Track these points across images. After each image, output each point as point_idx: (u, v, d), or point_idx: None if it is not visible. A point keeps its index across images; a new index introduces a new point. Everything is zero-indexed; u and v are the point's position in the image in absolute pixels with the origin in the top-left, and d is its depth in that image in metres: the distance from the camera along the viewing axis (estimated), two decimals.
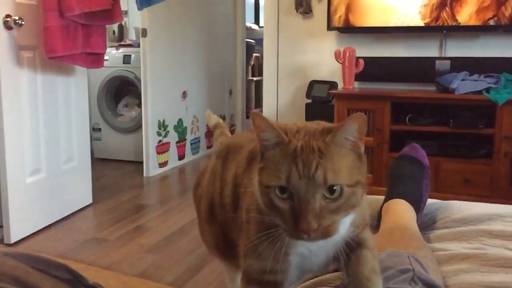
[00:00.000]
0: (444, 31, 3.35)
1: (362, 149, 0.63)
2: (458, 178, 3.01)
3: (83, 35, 2.73)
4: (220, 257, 1.02)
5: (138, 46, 3.92)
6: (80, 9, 2.57)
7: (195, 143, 4.57)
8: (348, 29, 3.55)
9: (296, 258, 0.68)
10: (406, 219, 1.16)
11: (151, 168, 3.89)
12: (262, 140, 0.62)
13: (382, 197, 1.29)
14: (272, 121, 0.62)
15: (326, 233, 0.58)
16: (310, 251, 0.68)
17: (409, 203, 1.22)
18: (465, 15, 3.22)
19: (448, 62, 3.30)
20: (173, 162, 4.21)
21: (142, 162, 3.90)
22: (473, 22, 3.21)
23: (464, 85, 3.02)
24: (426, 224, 1.31)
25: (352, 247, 0.68)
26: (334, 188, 0.58)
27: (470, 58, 3.29)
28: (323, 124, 0.65)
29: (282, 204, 0.59)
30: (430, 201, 1.38)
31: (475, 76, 3.09)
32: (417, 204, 1.24)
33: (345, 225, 0.65)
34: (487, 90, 2.96)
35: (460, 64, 3.23)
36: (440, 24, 3.28)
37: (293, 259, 0.68)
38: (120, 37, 4.80)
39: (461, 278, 1.01)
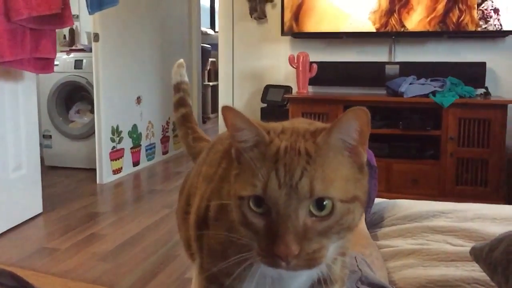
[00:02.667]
0: (393, 37, 3.46)
1: (365, 157, 0.50)
2: (408, 178, 3.11)
3: (32, 40, 2.65)
4: (192, 259, 0.89)
5: (90, 50, 3.85)
6: (28, 13, 2.49)
7: (151, 149, 4.52)
8: (302, 35, 3.61)
9: (260, 274, 0.56)
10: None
11: (105, 175, 3.81)
12: (237, 141, 0.50)
13: None
14: (250, 118, 0.51)
15: (310, 261, 0.44)
16: (279, 274, 0.55)
17: None
18: (413, 21, 3.34)
19: (397, 66, 3.41)
20: (128, 168, 4.14)
21: (95, 169, 3.81)
22: (420, 28, 3.34)
23: (412, 88, 3.13)
24: (374, 222, 1.35)
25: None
26: (324, 203, 0.45)
27: (418, 63, 3.41)
28: (317, 124, 0.54)
29: (256, 220, 0.46)
30: (378, 200, 1.43)
31: (422, 80, 3.21)
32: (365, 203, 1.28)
33: (328, 252, 0.52)
34: (434, 93, 3.08)
35: (408, 69, 3.35)
36: (389, 30, 3.39)
37: (255, 273, 0.55)
38: (71, 42, 4.69)
39: (405, 273, 1.05)
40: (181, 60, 1.07)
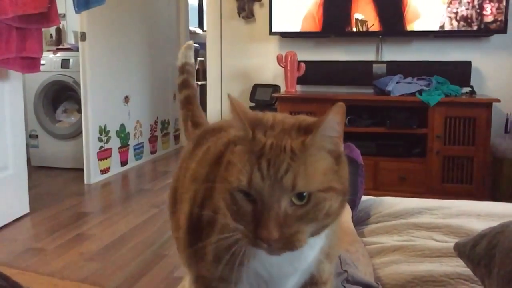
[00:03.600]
0: (380, 36, 3.49)
1: (341, 147, 0.54)
2: (395, 176, 3.14)
3: (18, 39, 2.63)
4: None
5: (77, 50, 3.82)
6: (14, 11, 2.47)
7: (139, 148, 4.50)
8: (290, 34, 3.62)
9: (252, 275, 0.59)
10: (341, 216, 1.20)
11: (92, 175, 3.79)
12: (236, 129, 0.54)
13: None
14: (246, 109, 0.54)
15: (289, 243, 0.48)
16: (270, 275, 0.58)
17: None
18: (400, 21, 3.37)
19: (384, 66, 3.43)
20: (116, 168, 4.12)
21: (82, 169, 3.79)
22: (407, 28, 3.37)
23: (399, 87, 3.16)
24: (361, 220, 1.36)
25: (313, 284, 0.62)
26: (304, 194, 0.49)
27: (405, 62, 3.44)
28: (303, 119, 0.56)
29: (244, 205, 0.51)
30: (365, 198, 1.44)
31: (409, 79, 3.24)
32: (352, 201, 1.29)
33: (314, 250, 0.58)
34: (420, 92, 3.11)
35: (395, 68, 3.38)
36: (376, 30, 3.42)
37: (247, 275, 0.59)
38: (58, 41, 4.65)
39: (391, 269, 1.07)
40: (191, 42, 1.06)
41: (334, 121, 0.51)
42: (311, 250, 0.58)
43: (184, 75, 1.03)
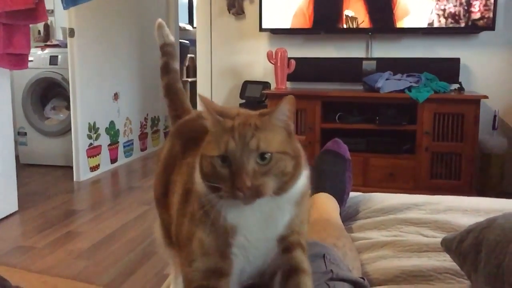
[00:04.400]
0: (370, 33, 3.50)
1: (292, 127, 0.68)
2: (384, 172, 3.16)
3: (5, 35, 2.61)
4: (169, 252, 0.94)
5: (66, 46, 3.79)
6: (1, 8, 2.45)
7: (128, 145, 4.48)
8: (280, 30, 3.62)
9: (239, 254, 0.68)
10: (329, 211, 1.21)
11: (82, 173, 3.77)
12: (209, 120, 0.68)
13: None
14: (215, 105, 0.69)
15: (258, 192, 0.62)
16: (249, 243, 0.68)
17: (333, 195, 1.27)
18: (390, 18, 3.38)
19: (374, 62, 3.45)
20: (105, 165, 4.10)
21: (72, 167, 3.77)
22: (397, 25, 3.38)
23: (388, 84, 3.17)
24: (350, 216, 1.37)
25: (290, 272, 0.70)
26: (266, 155, 0.63)
27: (394, 59, 3.46)
28: (263, 110, 0.70)
29: (222, 170, 0.63)
30: (354, 194, 1.45)
31: (398, 76, 3.25)
32: (341, 196, 1.30)
33: (284, 217, 0.69)
34: (409, 89, 3.13)
35: (385, 65, 3.39)
36: (366, 27, 3.43)
37: (235, 255, 0.68)
38: (46, 37, 4.61)
39: (379, 264, 1.08)
40: (159, 20, 1.01)
41: (285, 108, 0.66)
42: (281, 215, 0.69)
43: (164, 58, 1.00)
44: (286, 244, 0.70)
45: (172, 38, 1.02)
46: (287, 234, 0.70)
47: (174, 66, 1.00)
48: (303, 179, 0.69)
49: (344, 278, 0.83)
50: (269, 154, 0.62)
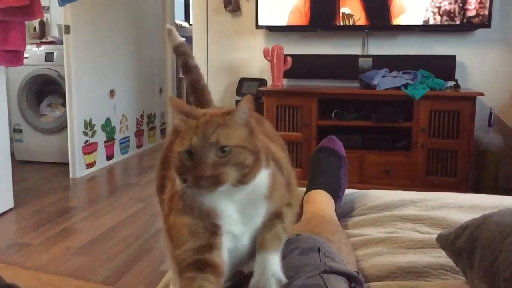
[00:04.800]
0: (366, 30, 3.51)
1: (253, 123, 0.73)
2: (380, 169, 3.17)
3: (0, 32, 2.60)
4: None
5: (61, 43, 3.78)
6: None
7: (125, 142, 4.47)
8: (276, 28, 3.62)
9: (227, 241, 0.73)
10: (324, 207, 1.21)
11: (78, 169, 3.76)
12: (178, 119, 0.74)
13: (303, 189, 1.34)
14: (183, 106, 0.75)
15: (218, 180, 0.68)
16: (233, 227, 0.73)
17: (329, 192, 1.28)
18: (386, 15, 3.38)
19: (370, 59, 3.45)
20: (101, 162, 4.09)
21: (68, 164, 3.76)
22: (393, 22, 3.39)
23: (384, 81, 3.18)
24: (346, 213, 1.37)
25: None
26: (225, 148, 0.68)
27: (390, 56, 3.46)
28: (226, 108, 0.76)
29: (187, 163, 0.70)
30: (349, 191, 1.45)
31: (394, 73, 3.26)
32: (336, 192, 1.30)
33: (260, 211, 0.74)
34: (405, 86, 3.14)
35: (381, 62, 3.40)
36: (362, 24, 3.43)
37: (224, 239, 0.73)
38: (42, 34, 4.59)
39: (374, 260, 1.08)
40: (168, 26, 1.05)
41: (245, 107, 0.71)
42: (255, 208, 0.73)
43: (181, 58, 1.03)
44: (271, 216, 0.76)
45: (181, 38, 1.04)
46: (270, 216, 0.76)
47: (193, 63, 1.03)
48: (265, 175, 0.73)
49: (338, 271, 0.83)
50: (229, 147, 0.68)
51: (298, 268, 0.81)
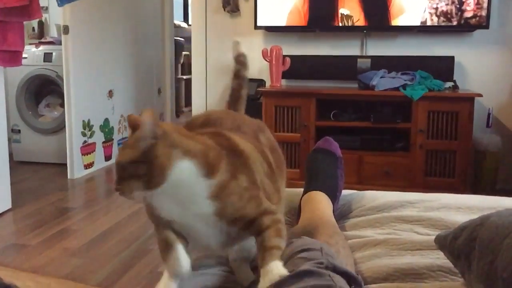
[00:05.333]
0: (365, 31, 3.51)
1: (160, 130, 0.77)
2: (379, 170, 3.17)
3: None
4: None
5: (60, 43, 3.77)
6: None
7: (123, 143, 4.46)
8: (275, 28, 3.62)
9: (176, 224, 0.81)
10: (322, 209, 1.21)
11: (76, 170, 3.75)
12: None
13: (301, 190, 1.34)
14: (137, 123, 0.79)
15: (122, 192, 0.76)
16: (177, 217, 0.80)
17: (326, 193, 1.27)
18: (385, 16, 3.38)
19: (369, 60, 3.45)
20: (100, 163, 4.08)
21: (66, 164, 3.75)
22: (392, 23, 3.39)
23: (383, 82, 3.18)
24: (343, 214, 1.37)
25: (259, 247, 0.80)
26: (123, 166, 0.75)
27: (389, 56, 3.46)
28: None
29: None
30: (347, 192, 1.45)
31: (393, 74, 3.26)
32: (333, 193, 1.30)
33: (204, 208, 0.77)
34: (404, 86, 3.14)
35: (380, 62, 3.40)
36: (361, 24, 3.43)
37: (172, 223, 0.81)
38: (40, 34, 4.59)
39: (372, 262, 1.07)
40: (236, 40, 1.15)
41: (145, 128, 0.74)
42: (196, 205, 0.77)
43: (237, 66, 1.12)
44: (256, 228, 0.80)
45: (242, 49, 1.14)
46: (237, 218, 0.79)
47: (244, 73, 1.12)
48: (185, 173, 0.75)
49: (340, 270, 0.83)
50: (123, 165, 0.75)
51: (302, 261, 0.82)
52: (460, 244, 0.90)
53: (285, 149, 3.24)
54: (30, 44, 4.08)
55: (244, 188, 0.79)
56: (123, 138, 4.45)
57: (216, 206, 0.77)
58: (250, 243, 0.89)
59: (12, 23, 2.65)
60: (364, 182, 3.13)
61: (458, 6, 3.25)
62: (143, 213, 2.87)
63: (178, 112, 6.30)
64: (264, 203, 0.81)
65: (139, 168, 0.75)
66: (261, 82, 3.65)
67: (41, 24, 4.61)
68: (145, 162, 0.75)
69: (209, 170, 0.76)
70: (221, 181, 0.76)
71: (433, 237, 1.00)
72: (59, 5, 2.98)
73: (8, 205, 2.94)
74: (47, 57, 4.00)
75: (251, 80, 3.69)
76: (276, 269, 0.76)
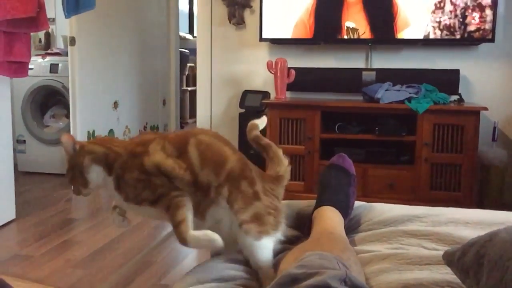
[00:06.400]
0: (370, 44, 3.51)
1: (100, 151, 1.03)
2: (383, 183, 3.15)
3: (6, 43, 2.61)
4: None
5: (66, 54, 3.80)
6: (2, 16, 2.46)
7: None
8: (280, 40, 3.63)
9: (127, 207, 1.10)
10: (333, 224, 1.20)
11: None
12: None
13: (313, 201, 1.34)
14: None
15: (73, 191, 1.07)
16: (121, 204, 1.11)
17: (337, 209, 1.27)
18: (390, 29, 3.39)
19: (374, 73, 3.45)
20: None
21: None
22: (398, 36, 3.40)
23: (388, 95, 3.17)
24: (352, 228, 1.36)
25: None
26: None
27: (394, 69, 3.47)
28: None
29: None
30: (355, 203, 1.44)
31: (398, 87, 3.26)
32: (345, 210, 1.29)
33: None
34: (409, 99, 3.13)
35: (385, 75, 3.40)
36: (366, 37, 3.44)
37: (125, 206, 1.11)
38: (47, 45, 4.62)
39: (381, 278, 1.06)
40: (253, 122, 1.20)
41: (67, 139, 1.05)
42: (111, 191, 1.04)
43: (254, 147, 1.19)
44: (160, 208, 1.01)
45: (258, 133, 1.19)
46: (139, 201, 1.02)
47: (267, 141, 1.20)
48: (96, 173, 1.02)
49: (358, 286, 0.82)
50: (66, 172, 1.05)
51: (320, 267, 0.82)
52: (468, 260, 0.89)
53: (289, 161, 3.23)
54: (37, 55, 4.11)
55: (136, 180, 0.98)
56: None
57: (121, 195, 1.02)
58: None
59: (19, 34, 2.67)
60: (368, 195, 3.11)
61: (461, 19, 3.26)
62: (146, 225, 2.88)
63: (182, 124, 6.32)
64: (159, 189, 0.98)
65: (74, 174, 1.03)
66: (266, 94, 3.66)
67: (47, 35, 4.65)
68: (73, 169, 1.02)
69: (109, 169, 1.00)
70: (116, 176, 0.99)
71: (441, 252, 0.99)
72: (66, 16, 3.01)
73: (12, 216, 2.94)
74: (53, 68, 4.03)
75: (256, 92, 3.70)
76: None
